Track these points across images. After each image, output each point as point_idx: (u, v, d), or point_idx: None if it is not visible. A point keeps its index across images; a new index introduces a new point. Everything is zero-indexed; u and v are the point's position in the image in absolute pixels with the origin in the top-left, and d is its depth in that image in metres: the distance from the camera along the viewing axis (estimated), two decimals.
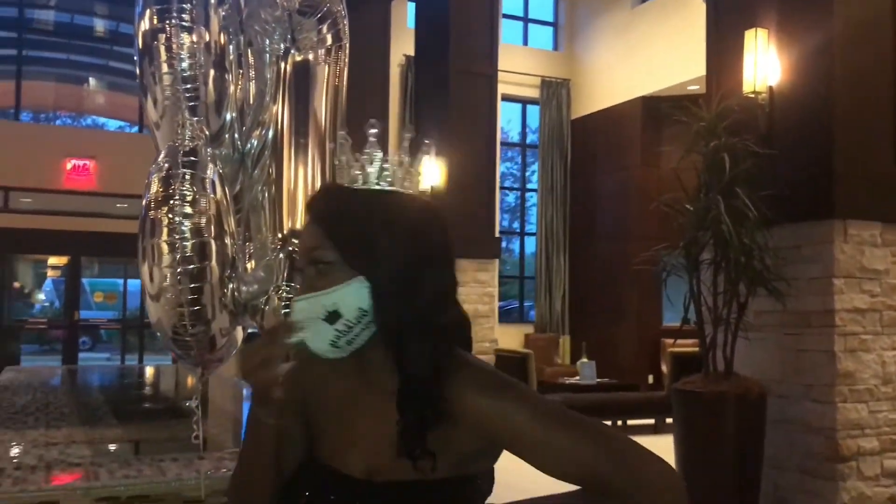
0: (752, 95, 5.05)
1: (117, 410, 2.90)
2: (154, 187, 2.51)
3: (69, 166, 10.86)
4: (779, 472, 4.80)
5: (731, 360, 4.77)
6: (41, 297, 18.45)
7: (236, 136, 2.48)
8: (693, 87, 10.13)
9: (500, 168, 12.82)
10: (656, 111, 11.35)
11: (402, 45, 11.34)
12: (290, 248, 2.33)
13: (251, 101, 2.48)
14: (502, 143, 13.27)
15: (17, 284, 15.22)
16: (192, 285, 2.32)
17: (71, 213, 10.94)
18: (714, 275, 4.82)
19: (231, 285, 2.33)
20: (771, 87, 5.05)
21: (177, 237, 2.38)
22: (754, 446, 4.63)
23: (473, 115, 9.28)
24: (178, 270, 2.35)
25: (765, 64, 5.03)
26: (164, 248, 2.41)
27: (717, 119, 4.87)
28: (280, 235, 2.36)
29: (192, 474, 2.05)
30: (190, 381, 4.73)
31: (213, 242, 2.37)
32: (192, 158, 2.41)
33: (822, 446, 4.62)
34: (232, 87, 2.38)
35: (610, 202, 12.25)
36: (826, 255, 4.68)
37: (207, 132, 2.44)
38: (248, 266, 2.43)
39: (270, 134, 2.40)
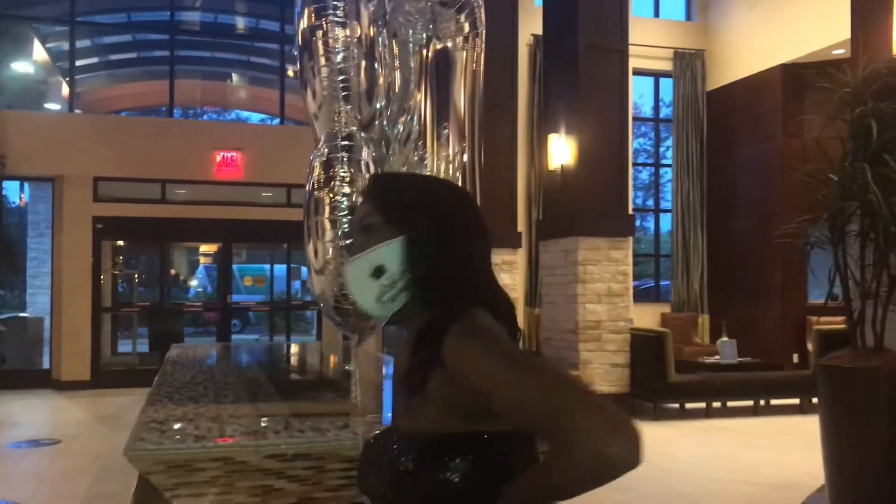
0: None
1: (274, 380, 3.16)
2: (316, 171, 2.72)
3: (218, 158, 11.54)
4: None
5: (881, 335, 4.58)
6: (195, 282, 19.72)
7: (385, 122, 2.68)
8: (838, 52, 9.63)
9: (632, 144, 12.62)
10: (798, 79, 10.87)
11: (530, 24, 11.35)
12: None
13: (396, 90, 2.69)
14: (634, 119, 13.08)
15: (173, 271, 16.33)
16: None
17: (221, 203, 11.63)
18: (861, 246, 4.63)
19: None
20: None
21: (338, 214, 2.61)
22: None
23: (604, 91, 9.17)
24: (340, 244, 2.55)
25: None
26: (327, 224, 2.64)
27: (864, 84, 4.66)
28: None
29: (348, 435, 2.22)
30: (332, 358, 5.01)
31: None
32: (349, 143, 2.64)
33: None
34: (381, 77, 2.59)
35: (749, 175, 11.85)
36: None
37: (360, 119, 2.66)
38: None
39: (414, 120, 2.61)
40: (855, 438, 4.50)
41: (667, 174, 13.32)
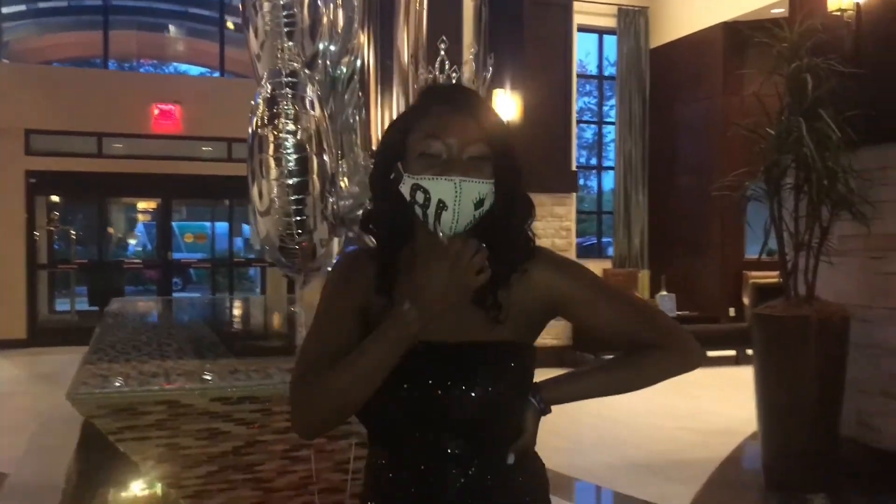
0: (838, 13, 4.90)
1: (218, 331, 3.14)
2: (260, 108, 2.66)
3: (156, 111, 11.25)
4: (862, 396, 4.79)
5: (812, 285, 4.74)
6: (134, 239, 19.29)
7: (328, 62, 2.64)
8: (777, 11, 9.76)
9: (576, 102, 12.67)
10: (738, 37, 10.97)
11: None
12: None
13: (339, 30, 2.64)
14: (579, 76, 13.10)
15: (111, 228, 15.96)
16: (296, 196, 2.53)
17: (160, 157, 11.37)
18: (796, 199, 4.77)
19: (331, 199, 2.52)
20: (858, 4, 4.88)
21: (283, 152, 2.57)
22: (836, 370, 4.62)
23: (549, 48, 9.19)
24: (285, 182, 2.53)
25: None
26: (272, 163, 2.59)
27: (800, 40, 4.75)
28: (371, 153, 2.54)
29: None
30: (277, 317, 4.98)
31: (314, 158, 2.57)
32: (293, 80, 2.58)
33: None
34: (324, 16, 2.55)
35: (691, 133, 12.01)
36: None
37: (303, 57, 2.61)
38: (343, 182, 2.61)
39: (358, 61, 2.58)
40: (786, 384, 4.68)
41: (610, 133, 13.44)
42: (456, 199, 1.25)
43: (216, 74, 13.30)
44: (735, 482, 5.07)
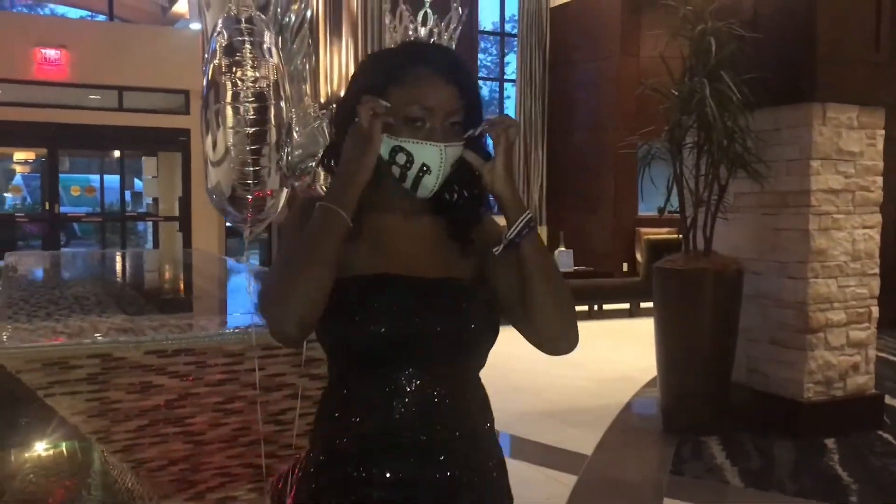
0: None
1: (134, 286, 3.03)
2: (218, 55, 2.54)
3: (39, 56, 10.61)
4: (752, 344, 5.11)
5: (710, 240, 4.99)
6: (15, 193, 18.24)
7: (278, 9, 2.55)
8: None
9: (477, 59, 12.68)
10: None
11: None
12: (331, 111, 2.46)
13: None
14: (479, 32, 13.13)
15: None
16: (254, 146, 2.45)
17: (44, 105, 10.75)
18: (697, 158, 4.98)
19: (287, 149, 2.46)
20: None
21: (242, 100, 2.47)
22: (730, 319, 4.91)
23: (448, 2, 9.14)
24: (243, 131, 2.45)
25: None
26: (229, 111, 2.48)
27: (704, 3, 4.93)
28: (321, 103, 2.51)
29: (233, 330, 2.20)
30: (168, 268, 4.86)
31: (272, 106, 2.47)
32: (250, 26, 2.48)
33: (793, 319, 4.91)
34: None
35: (588, 92, 12.26)
36: (804, 138, 4.85)
37: (255, 3, 2.51)
38: (294, 131, 2.56)
39: (308, 9, 2.50)
40: (684, 333, 4.94)
41: (510, 90, 13.56)
42: (441, 164, 1.31)
43: (101, 18, 12.62)
44: (635, 426, 5.33)
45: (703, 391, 4.92)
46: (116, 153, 12.53)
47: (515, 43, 12.86)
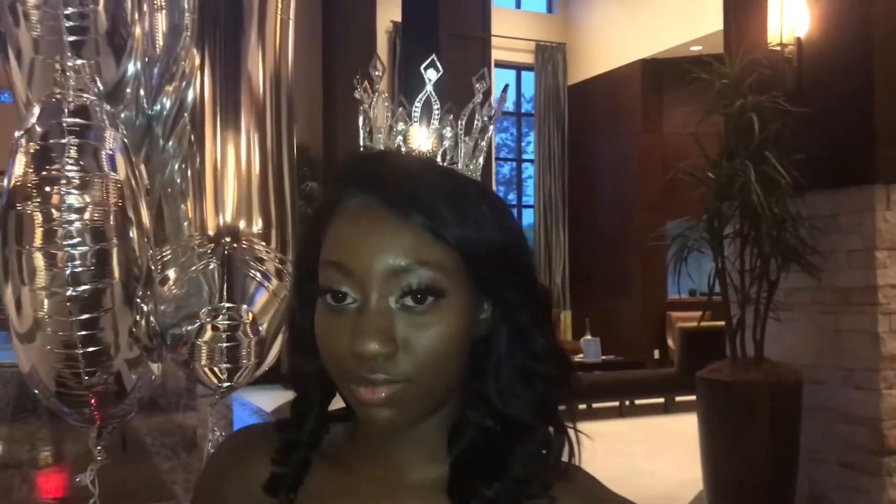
0: (778, 48, 4.53)
1: None
2: (20, 168, 1.62)
3: None
4: (816, 467, 4.36)
5: (760, 344, 4.31)
6: None
7: (141, 92, 1.75)
8: (695, 48, 9.62)
9: (494, 138, 12.24)
10: (657, 75, 10.86)
11: (389, 10, 10.77)
12: (225, 250, 1.75)
13: (160, 42, 1.81)
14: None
15: None
16: (86, 316, 1.60)
17: None
18: (741, 249, 4.34)
19: (145, 307, 1.65)
20: (799, 39, 4.53)
21: (60, 242, 1.59)
22: (789, 439, 4.19)
23: (466, 83, 8.74)
24: (65, 294, 1.58)
25: (792, 12, 4.51)
26: (40, 260, 1.60)
27: (742, 74, 4.36)
28: (209, 235, 1.76)
29: None
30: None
31: (114, 248, 1.62)
32: (81, 120, 1.61)
33: (864, 437, 4.18)
34: (135, 18, 1.63)
35: (610, 171, 11.80)
36: (867, 225, 4.21)
37: (100, 83, 1.64)
38: (169, 277, 1.81)
39: (189, 91, 1.76)
40: (736, 453, 4.23)
41: (528, 169, 13.12)
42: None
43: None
44: None
45: None
46: None
47: (533, 122, 12.46)
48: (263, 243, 1.79)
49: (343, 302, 0.68)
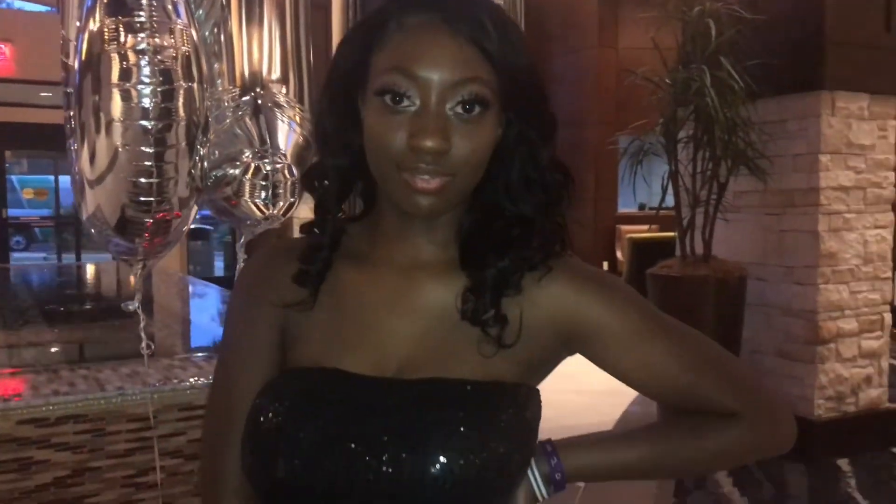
0: None
1: (47, 312, 2.52)
2: (97, 18, 1.71)
3: None
4: (757, 356, 4.67)
5: (709, 243, 4.54)
6: None
7: None
8: None
9: None
10: None
11: None
12: (258, 100, 1.88)
13: None
14: None
15: None
16: (157, 149, 1.70)
17: None
18: (694, 153, 4.53)
19: (202, 150, 1.82)
20: None
21: (138, 80, 1.68)
22: (733, 331, 4.46)
23: None
24: (139, 126, 1.68)
25: None
26: (117, 96, 1.69)
27: None
28: (240, 87, 1.89)
29: (136, 387, 1.69)
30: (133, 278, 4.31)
31: (182, 91, 1.73)
32: None
33: (801, 329, 4.48)
34: None
35: (565, 86, 11.83)
36: (812, 130, 4.41)
37: None
38: (208, 126, 1.95)
39: None
40: None
41: None
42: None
43: (54, 10, 11.92)
44: None
45: None
46: None
47: None
48: (286, 92, 2.02)
49: (401, 104, 0.80)
